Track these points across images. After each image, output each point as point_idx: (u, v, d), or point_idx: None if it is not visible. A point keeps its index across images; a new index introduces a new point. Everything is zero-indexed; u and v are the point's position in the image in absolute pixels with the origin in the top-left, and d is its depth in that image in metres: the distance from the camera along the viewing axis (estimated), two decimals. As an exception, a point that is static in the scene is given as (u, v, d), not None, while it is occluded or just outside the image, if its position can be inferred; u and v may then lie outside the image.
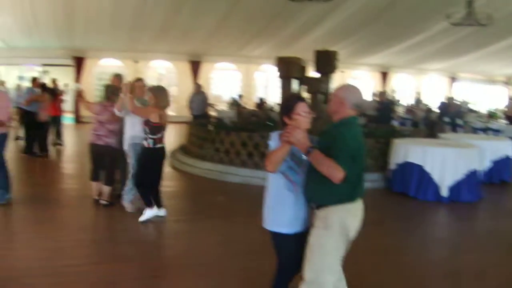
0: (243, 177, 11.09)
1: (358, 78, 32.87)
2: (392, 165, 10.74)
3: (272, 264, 4.43)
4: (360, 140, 4.11)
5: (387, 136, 12.09)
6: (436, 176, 9.99)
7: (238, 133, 11.85)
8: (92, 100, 8.39)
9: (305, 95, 13.14)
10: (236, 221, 8.14)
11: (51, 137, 15.67)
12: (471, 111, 25.48)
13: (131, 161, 8.35)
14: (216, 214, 8.73)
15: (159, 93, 7.87)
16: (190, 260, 6.44)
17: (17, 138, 17.11)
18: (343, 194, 4.02)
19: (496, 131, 17.40)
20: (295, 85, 12.99)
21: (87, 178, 9.08)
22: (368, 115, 19.24)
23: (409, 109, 24.23)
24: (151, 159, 7.89)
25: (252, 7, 19.64)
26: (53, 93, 15.40)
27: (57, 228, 7.69)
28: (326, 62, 13.15)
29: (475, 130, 18.12)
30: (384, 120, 16.32)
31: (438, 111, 22.62)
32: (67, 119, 18.55)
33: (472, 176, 10.12)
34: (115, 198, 8.80)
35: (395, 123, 19.00)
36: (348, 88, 4.28)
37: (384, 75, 32.78)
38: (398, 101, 28.45)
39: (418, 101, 28.88)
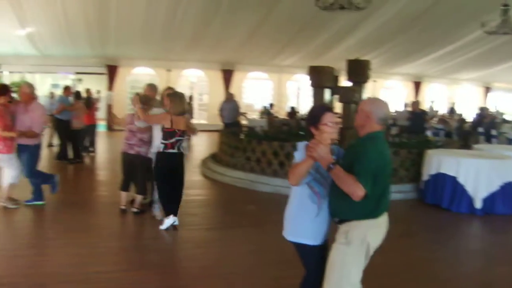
0: (274, 187, 11.04)
1: (391, 88, 32.68)
2: (425, 176, 10.60)
3: (303, 274, 4.42)
4: (386, 155, 4.07)
5: (420, 146, 11.97)
6: (469, 187, 9.82)
7: (269, 142, 11.82)
8: (123, 110, 8.47)
9: (337, 104, 13.12)
10: (267, 230, 8.09)
11: (84, 145, 15.84)
12: (506, 121, 25.11)
13: None
14: (247, 223, 8.72)
15: (174, 99, 7.95)
16: (220, 269, 6.43)
17: (50, 145, 17.36)
18: (365, 210, 3.97)
19: (532, 142, 17.13)
20: (327, 94, 12.92)
21: (118, 186, 9.15)
22: (400, 125, 19.11)
23: (442, 119, 23.96)
24: (160, 163, 7.98)
25: (283, 16, 19.66)
26: (88, 103, 15.57)
27: (89, 234, 7.75)
28: (359, 71, 13.08)
29: (510, 141, 17.85)
30: (417, 130, 16.15)
31: (472, 121, 22.36)
32: (100, 126, 18.72)
33: (507, 188, 9.93)
34: (146, 206, 8.86)
35: (428, 133, 18.78)
36: (375, 102, 4.23)
37: (417, 85, 32.49)
38: (437, 111, 28.16)
39: (452, 111, 28.59)
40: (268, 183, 11.23)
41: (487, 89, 35.38)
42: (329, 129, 4.00)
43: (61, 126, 14.84)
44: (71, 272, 6.06)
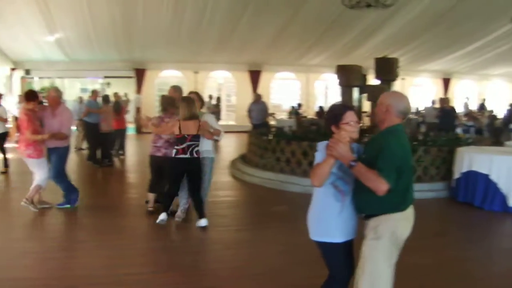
0: (304, 187, 10.95)
1: (420, 85, 32.40)
2: (456, 174, 10.46)
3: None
4: (408, 147, 4.07)
5: (450, 144, 11.85)
6: (502, 185, 9.64)
7: (299, 143, 11.78)
8: (152, 113, 8.54)
9: (366, 103, 13.06)
10: (297, 231, 8.02)
11: (114, 148, 16.02)
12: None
13: None
14: (277, 224, 8.70)
15: (181, 104, 8.08)
16: (250, 270, 6.42)
17: (80, 149, 17.58)
18: (393, 203, 3.98)
19: None
20: (355, 93, 12.87)
21: (147, 188, 9.23)
22: (428, 123, 18.93)
23: (472, 116, 23.68)
24: (172, 168, 8.22)
25: (310, 16, 19.62)
26: (117, 107, 15.72)
27: (119, 236, 7.83)
28: (387, 69, 13.02)
29: (542, 137, 17.58)
30: (447, 127, 15.99)
31: (503, 117, 22.07)
32: (129, 129, 18.89)
33: (541, 185, 9.76)
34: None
35: (458, 130, 18.58)
36: (394, 95, 4.23)
37: (446, 82, 32.16)
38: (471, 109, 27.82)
39: (482, 107, 28.24)
40: (298, 183, 11.18)
41: (518, 85, 34.87)
42: (351, 128, 4.00)
43: (90, 130, 15.07)
44: (102, 274, 6.12)
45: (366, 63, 14.77)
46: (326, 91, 31.66)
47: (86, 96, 19.26)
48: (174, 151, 8.02)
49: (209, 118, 8.56)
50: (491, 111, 25.56)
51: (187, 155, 7.98)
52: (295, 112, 24.81)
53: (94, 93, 16.17)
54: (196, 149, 8.02)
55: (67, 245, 7.49)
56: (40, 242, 7.66)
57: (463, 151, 10.48)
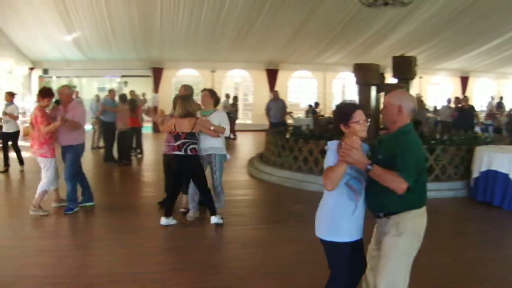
0: (321, 186, 10.88)
1: (437, 84, 32.21)
2: (475, 173, 10.35)
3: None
4: (421, 146, 4.14)
5: (468, 143, 11.76)
6: (523, 185, 9.59)
7: (316, 141, 11.75)
8: (169, 112, 8.54)
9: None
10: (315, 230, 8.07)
11: (131, 146, 16.11)
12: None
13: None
14: (295, 223, 8.69)
15: (176, 101, 8.21)
16: (267, 269, 6.42)
17: (97, 148, 17.69)
18: (414, 200, 4.02)
19: None
20: (373, 92, 12.82)
21: (163, 187, 9.26)
22: (442, 122, 18.81)
23: (491, 115, 23.50)
24: (165, 164, 8.58)
25: (327, 14, 19.59)
26: (133, 105, 15.80)
27: (136, 235, 7.86)
28: (405, 68, 12.95)
29: (562, 135, 17.38)
30: (465, 126, 15.87)
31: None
32: (146, 128, 18.99)
33: (561, 184, 9.65)
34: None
35: (476, 129, 18.45)
36: (404, 95, 4.24)
37: (464, 80, 31.90)
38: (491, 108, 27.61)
39: (500, 105, 28.01)
40: (316, 182, 11.11)
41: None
42: (360, 126, 4.02)
43: (106, 128, 15.23)
44: (119, 272, 6.17)
45: (384, 62, 14.74)
46: (344, 89, 31.60)
47: (103, 95, 19.36)
48: (171, 148, 8.08)
49: (218, 116, 8.48)
50: (510, 110, 25.33)
51: (182, 152, 8.00)
52: (312, 111, 24.73)
53: (111, 92, 16.36)
54: (190, 146, 8.02)
55: (84, 243, 7.55)
56: (56, 240, 7.74)
57: (482, 150, 10.38)
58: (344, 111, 4.11)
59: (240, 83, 30.46)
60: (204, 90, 8.94)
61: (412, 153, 3.92)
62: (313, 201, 10.19)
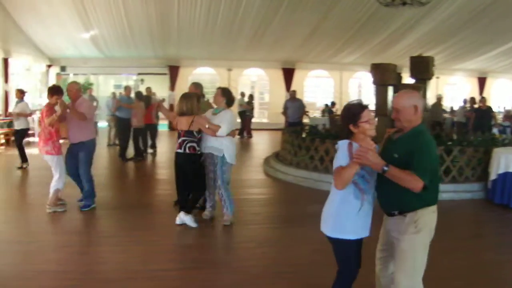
0: (338, 186, 10.91)
1: (454, 84, 32.01)
2: (493, 175, 10.27)
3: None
4: (435, 146, 4.17)
5: (486, 144, 11.67)
6: (540, 187, 9.50)
7: (333, 141, 11.70)
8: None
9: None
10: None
11: (146, 144, 16.22)
12: None
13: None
14: (311, 222, 8.60)
15: (179, 100, 8.26)
16: (281, 268, 6.42)
17: (114, 144, 17.79)
18: (430, 198, 4.07)
19: None
20: (390, 92, 12.76)
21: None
22: (458, 122, 18.69)
23: (508, 116, 23.31)
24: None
25: (344, 13, 19.55)
26: (148, 102, 15.86)
27: (151, 232, 7.91)
28: (422, 68, 12.89)
29: None
30: (482, 127, 15.76)
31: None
32: (162, 126, 19.05)
33: None
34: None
35: (494, 130, 18.30)
36: (414, 95, 4.23)
37: (482, 81, 31.67)
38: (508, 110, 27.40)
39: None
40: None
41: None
42: (369, 126, 4.07)
43: (122, 125, 15.32)
44: (134, 269, 6.20)
45: (401, 62, 14.67)
46: (360, 89, 31.50)
47: (120, 92, 19.46)
48: (177, 146, 8.20)
49: (223, 115, 8.21)
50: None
51: (181, 150, 8.09)
52: (328, 110, 24.70)
53: (127, 89, 16.42)
54: (189, 145, 8.04)
55: (100, 240, 7.60)
56: (73, 236, 7.79)
57: (500, 152, 10.28)
58: (353, 111, 4.15)
59: (256, 81, 30.47)
60: (218, 88, 8.92)
61: (429, 152, 3.97)
62: (329, 201, 10.13)
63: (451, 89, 31.99)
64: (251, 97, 24.63)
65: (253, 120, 24.91)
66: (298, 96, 19.41)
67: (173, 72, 26.83)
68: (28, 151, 13.53)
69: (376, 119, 11.94)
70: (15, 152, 13.60)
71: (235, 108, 21.76)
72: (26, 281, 5.74)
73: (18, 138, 13.40)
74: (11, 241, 7.32)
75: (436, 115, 19.24)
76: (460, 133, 14.93)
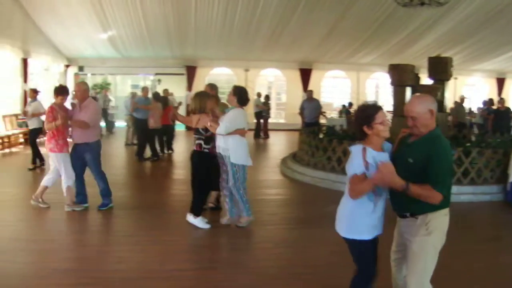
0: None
1: (473, 85, 31.77)
2: (512, 177, 10.23)
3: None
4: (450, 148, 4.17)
5: (505, 146, 11.58)
6: (560, 190, 9.41)
7: (350, 142, 11.65)
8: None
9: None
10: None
11: (163, 144, 16.35)
12: None
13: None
14: (329, 224, 8.60)
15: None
16: (298, 269, 6.41)
17: (132, 144, 17.88)
18: (443, 202, 4.02)
19: None
20: (407, 92, 12.69)
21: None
22: (477, 124, 18.53)
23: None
24: None
25: (362, 14, 19.47)
26: (165, 103, 15.92)
27: (168, 232, 7.95)
28: (440, 69, 12.82)
29: None
30: (501, 129, 15.64)
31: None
32: (179, 126, 19.10)
33: None
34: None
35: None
36: (427, 99, 4.20)
37: (501, 82, 31.40)
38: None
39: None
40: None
41: None
42: (383, 127, 4.07)
43: (139, 125, 15.43)
44: (154, 269, 6.23)
45: (419, 62, 14.60)
46: (377, 90, 31.39)
47: (139, 92, 19.56)
48: None
49: (228, 113, 8.05)
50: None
51: (194, 147, 8.21)
52: (345, 111, 24.63)
53: (145, 89, 16.53)
54: (197, 142, 8.14)
55: (118, 239, 7.63)
56: (92, 235, 7.91)
57: (519, 153, 10.23)
58: (367, 113, 4.14)
59: (273, 82, 30.46)
60: (236, 87, 8.92)
61: (446, 161, 4.00)
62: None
63: (470, 90, 31.74)
64: (267, 97, 24.64)
65: (270, 120, 24.94)
66: (315, 96, 19.33)
67: (190, 72, 26.89)
68: (43, 150, 13.63)
69: (390, 119, 11.92)
70: (32, 151, 13.76)
71: (250, 109, 21.80)
72: (46, 278, 5.82)
73: (32, 137, 13.49)
74: (29, 239, 7.41)
75: (460, 116, 19.15)
76: (479, 134, 14.81)
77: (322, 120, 21.46)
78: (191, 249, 7.33)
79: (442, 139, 4.03)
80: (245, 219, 8.12)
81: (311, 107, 17.55)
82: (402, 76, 12.49)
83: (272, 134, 23.87)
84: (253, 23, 20.79)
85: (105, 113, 23.28)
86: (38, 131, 13.43)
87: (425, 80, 14.37)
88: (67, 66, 25.81)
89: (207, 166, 8.15)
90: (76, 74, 26.33)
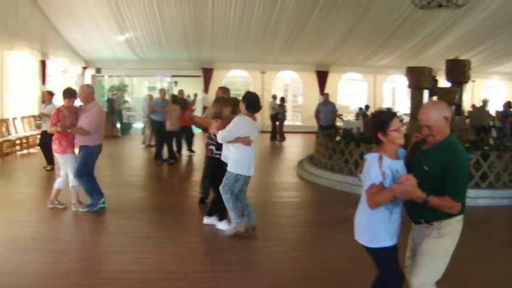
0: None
1: (490, 88, 31.54)
2: (530, 181, 10.13)
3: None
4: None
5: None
6: None
7: (367, 145, 11.62)
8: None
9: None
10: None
11: (180, 146, 16.41)
12: None
13: None
14: (345, 227, 8.57)
15: None
16: (314, 272, 6.38)
17: (149, 146, 17.95)
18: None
19: None
20: (425, 95, 12.63)
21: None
22: (495, 127, 18.41)
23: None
24: None
25: (379, 16, 19.42)
26: (183, 104, 15.97)
27: (185, 234, 7.96)
28: (458, 71, 12.74)
29: None
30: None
31: None
32: (197, 128, 19.13)
33: None
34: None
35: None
36: (440, 105, 4.18)
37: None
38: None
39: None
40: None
41: None
42: (398, 134, 4.04)
43: (157, 127, 15.50)
44: (172, 271, 6.26)
45: (436, 65, 14.52)
46: (394, 92, 31.26)
47: (156, 94, 19.63)
48: None
49: (234, 120, 7.72)
50: None
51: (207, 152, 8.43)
52: (362, 113, 24.53)
53: (162, 91, 16.59)
54: (209, 147, 8.40)
55: (135, 240, 7.62)
56: (109, 236, 7.95)
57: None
58: (382, 119, 4.11)
59: (290, 84, 30.45)
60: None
61: (464, 171, 4.01)
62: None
63: (487, 93, 31.50)
64: (282, 99, 24.61)
65: (286, 123, 24.91)
66: (332, 99, 19.23)
67: (207, 74, 26.95)
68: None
69: (408, 122, 11.84)
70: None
71: (266, 111, 21.82)
72: (63, 277, 5.87)
73: (43, 138, 13.52)
74: (45, 239, 7.46)
75: (482, 119, 19.04)
76: (497, 137, 14.69)
77: (339, 123, 21.39)
78: (208, 251, 7.33)
79: (458, 146, 4.02)
80: (233, 226, 7.75)
81: (326, 110, 17.46)
82: (419, 79, 12.41)
83: (288, 137, 23.85)
84: (270, 25, 20.80)
85: (120, 115, 23.40)
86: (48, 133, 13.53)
87: (443, 82, 14.29)
88: (85, 68, 26.02)
89: (219, 172, 7.95)
90: (93, 76, 26.53)
